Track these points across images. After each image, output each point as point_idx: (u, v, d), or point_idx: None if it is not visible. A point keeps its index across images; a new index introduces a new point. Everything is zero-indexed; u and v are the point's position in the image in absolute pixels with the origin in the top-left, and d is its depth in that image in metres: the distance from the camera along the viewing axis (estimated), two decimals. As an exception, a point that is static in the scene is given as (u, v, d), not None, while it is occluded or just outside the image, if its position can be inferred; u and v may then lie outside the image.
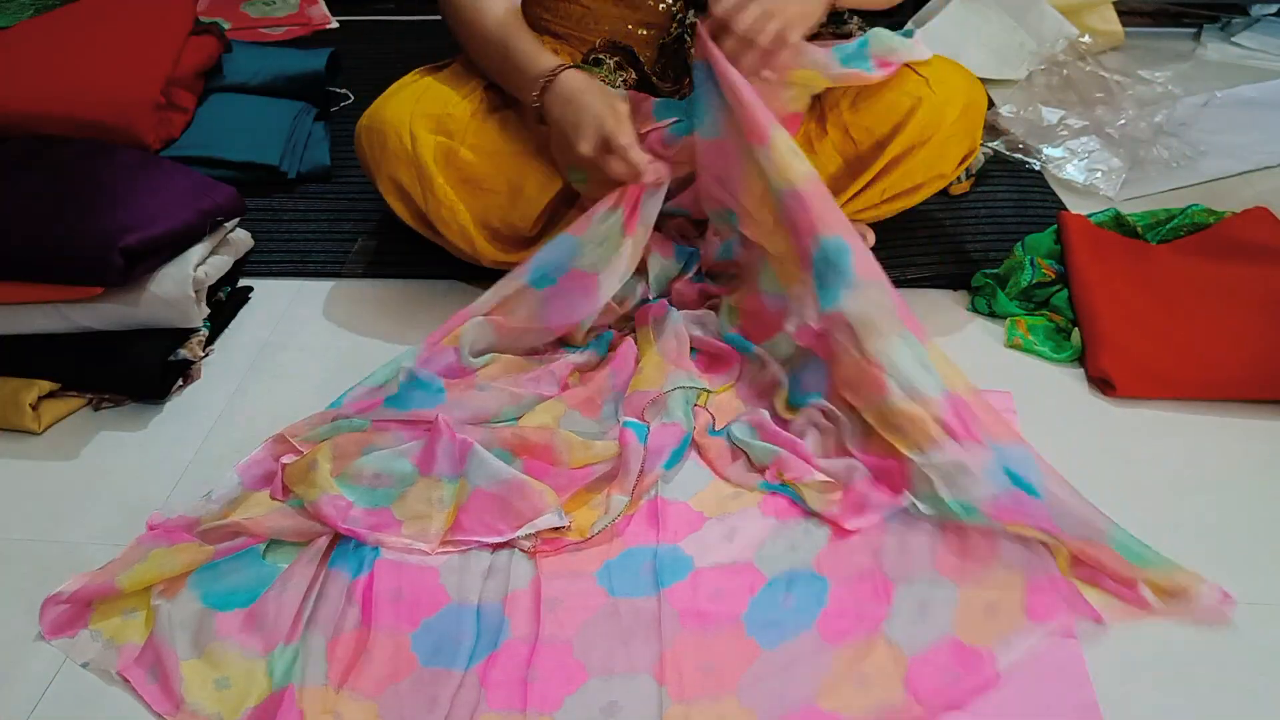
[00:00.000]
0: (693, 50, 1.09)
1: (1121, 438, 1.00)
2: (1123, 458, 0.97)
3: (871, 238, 1.21)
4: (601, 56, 1.16)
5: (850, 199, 1.18)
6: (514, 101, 1.13)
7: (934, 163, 1.16)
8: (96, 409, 1.04)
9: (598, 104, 1.02)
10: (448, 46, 1.20)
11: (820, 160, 1.15)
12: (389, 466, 0.91)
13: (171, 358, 1.05)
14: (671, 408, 0.97)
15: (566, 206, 1.15)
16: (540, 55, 1.08)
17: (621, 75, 1.17)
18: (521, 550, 0.86)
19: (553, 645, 0.78)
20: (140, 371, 1.02)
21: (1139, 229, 1.22)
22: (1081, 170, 1.46)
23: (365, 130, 1.14)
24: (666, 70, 1.19)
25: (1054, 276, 1.16)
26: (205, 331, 1.10)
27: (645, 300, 1.13)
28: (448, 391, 0.99)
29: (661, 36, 1.17)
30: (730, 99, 0.99)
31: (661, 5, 1.14)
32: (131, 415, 1.03)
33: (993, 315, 1.16)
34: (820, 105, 1.15)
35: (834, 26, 1.15)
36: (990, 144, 1.50)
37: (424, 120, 1.10)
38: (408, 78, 1.18)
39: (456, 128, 1.10)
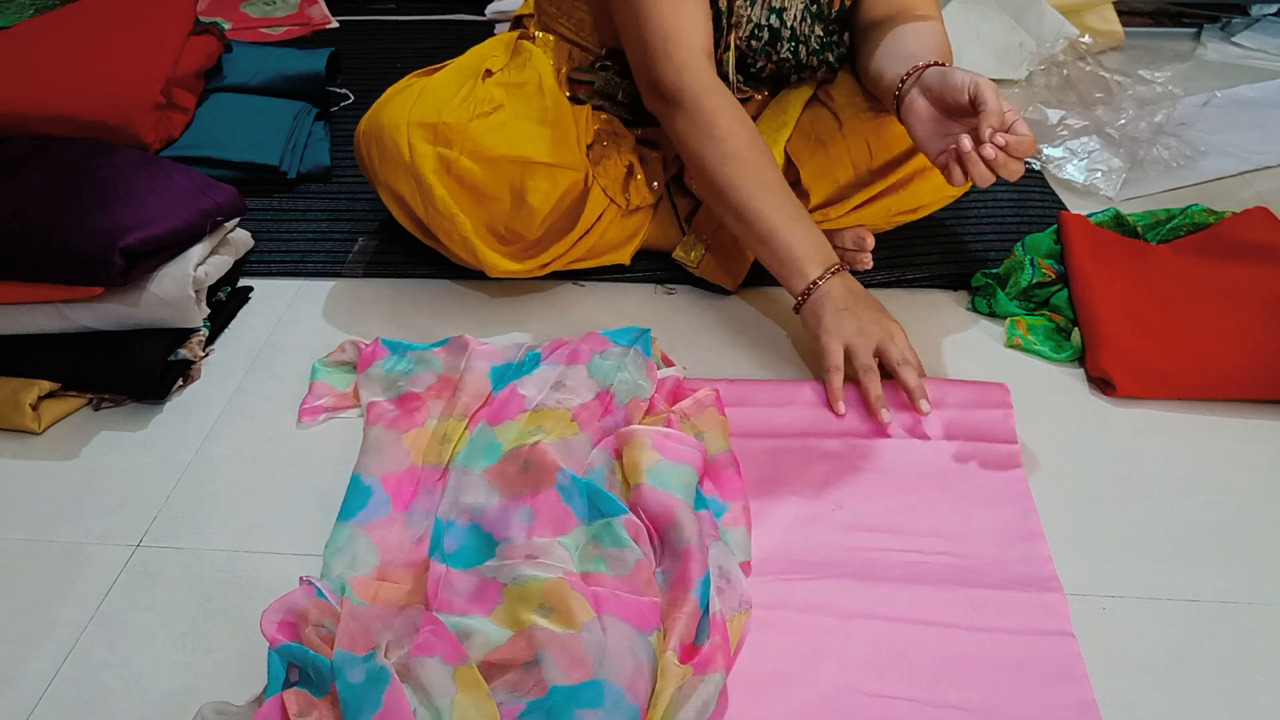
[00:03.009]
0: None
1: (1121, 438, 1.00)
2: (1122, 457, 0.97)
3: (871, 240, 1.21)
4: (607, 63, 1.16)
5: (854, 209, 1.18)
6: (511, 103, 1.11)
7: (943, 185, 1.16)
8: (96, 409, 1.04)
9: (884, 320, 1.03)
10: (447, 47, 1.19)
11: (830, 164, 1.15)
12: None
13: (171, 358, 1.05)
14: None
15: (571, 211, 1.14)
16: (819, 246, 1.04)
17: (619, 82, 1.17)
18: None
19: None
20: (140, 371, 1.02)
21: (1139, 229, 1.22)
22: (1081, 170, 1.46)
23: (363, 138, 1.14)
24: None
25: (1054, 276, 1.16)
26: (205, 331, 1.10)
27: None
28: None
29: None
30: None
31: None
32: (131, 415, 1.03)
33: (993, 315, 1.17)
34: (834, 111, 1.15)
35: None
36: (990, 144, 1.50)
37: (420, 130, 1.08)
38: (402, 83, 1.17)
39: (454, 135, 1.09)
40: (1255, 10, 1.99)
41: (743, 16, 1.10)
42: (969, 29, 1.78)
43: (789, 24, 1.11)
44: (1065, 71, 1.71)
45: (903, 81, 1.01)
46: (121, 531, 0.90)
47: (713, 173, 1.03)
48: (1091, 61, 1.73)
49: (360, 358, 1.06)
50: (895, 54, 1.05)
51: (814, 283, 1.01)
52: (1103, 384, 1.05)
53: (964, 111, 0.94)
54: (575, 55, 1.18)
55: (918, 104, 0.99)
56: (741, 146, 1.02)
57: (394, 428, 0.97)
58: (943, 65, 0.99)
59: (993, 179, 0.92)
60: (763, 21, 1.10)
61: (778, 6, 1.10)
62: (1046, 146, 1.51)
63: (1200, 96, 1.67)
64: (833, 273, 1.02)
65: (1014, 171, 0.91)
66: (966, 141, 0.92)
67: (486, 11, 2.08)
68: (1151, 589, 0.84)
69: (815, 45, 1.12)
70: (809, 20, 1.11)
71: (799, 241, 1.02)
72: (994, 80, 1.68)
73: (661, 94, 1.05)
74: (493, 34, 1.86)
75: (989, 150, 0.90)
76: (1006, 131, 0.91)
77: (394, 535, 0.87)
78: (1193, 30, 1.98)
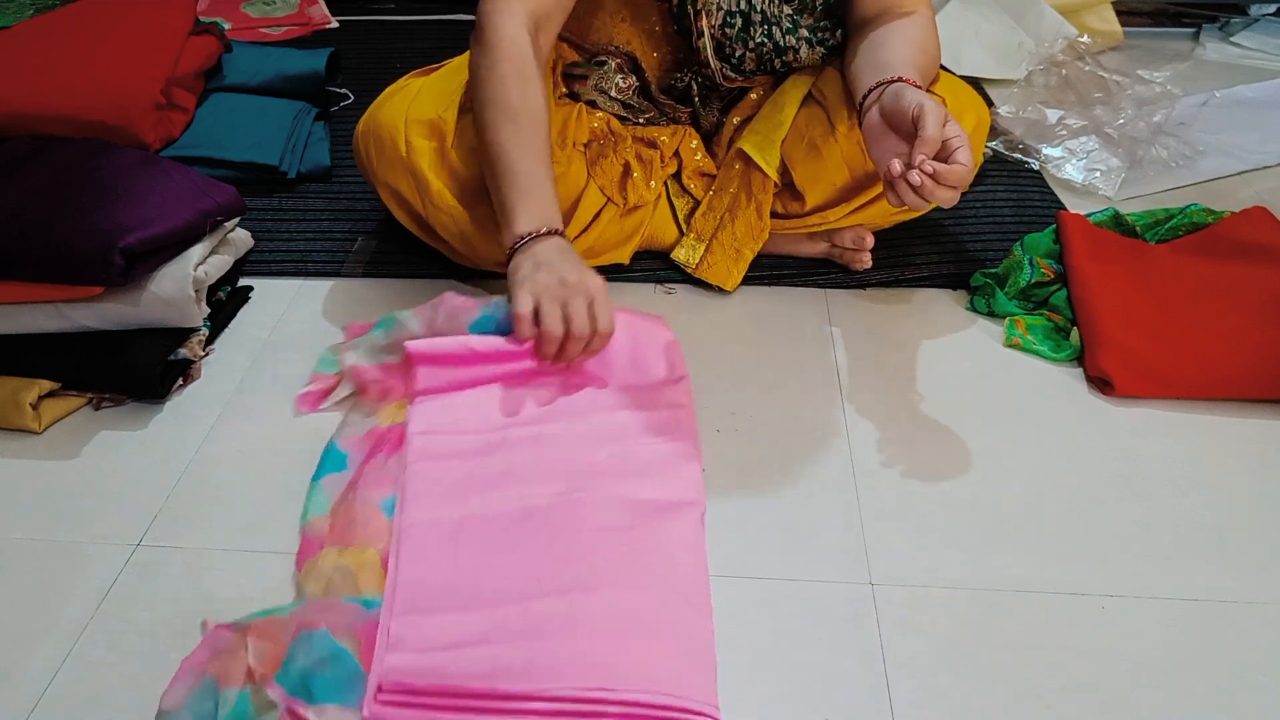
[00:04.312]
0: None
1: (1120, 437, 1.00)
2: (1122, 457, 0.97)
3: (870, 240, 1.21)
4: (605, 59, 1.16)
5: (852, 212, 1.18)
6: None
7: None
8: (96, 409, 1.04)
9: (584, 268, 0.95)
10: (447, 47, 1.20)
11: (827, 169, 1.15)
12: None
13: (171, 357, 1.05)
14: None
15: (567, 209, 1.15)
16: (550, 201, 0.97)
17: (621, 77, 1.17)
18: None
19: None
20: (140, 371, 1.02)
21: (1138, 228, 1.22)
22: (1080, 170, 1.46)
23: (361, 137, 1.14)
24: (671, 89, 1.19)
25: (1053, 276, 1.16)
26: (205, 331, 1.10)
27: None
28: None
29: (672, 76, 1.17)
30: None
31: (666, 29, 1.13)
32: (131, 415, 1.03)
33: (991, 315, 1.17)
34: (827, 115, 1.15)
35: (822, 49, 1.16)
36: (989, 144, 1.50)
37: (418, 126, 1.09)
38: (400, 82, 1.18)
39: (449, 130, 1.09)
40: (1254, 10, 1.99)
41: (711, 4, 1.10)
42: (968, 29, 1.78)
43: (758, 7, 1.11)
44: (1064, 71, 1.71)
45: (865, 97, 1.01)
46: (121, 531, 0.90)
47: (480, 111, 1.01)
48: (1090, 61, 1.73)
49: (349, 333, 1.09)
50: (872, 62, 1.05)
51: (521, 237, 0.95)
52: (1102, 383, 1.05)
53: (910, 133, 0.93)
54: (568, 53, 1.18)
55: (874, 121, 0.98)
56: (514, 97, 0.99)
57: (370, 399, 1.01)
58: (905, 82, 0.98)
59: (925, 205, 0.92)
60: (733, 9, 1.11)
61: None
62: (1046, 146, 1.51)
63: (1199, 96, 1.67)
64: (548, 234, 0.95)
65: (945, 199, 0.90)
66: (896, 165, 0.91)
67: (486, 11, 2.08)
68: (1151, 589, 0.84)
69: (788, 24, 1.12)
70: (776, 1, 1.11)
71: (525, 197, 0.97)
72: (993, 80, 1.68)
73: (477, 22, 1.03)
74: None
75: (914, 176, 0.89)
76: (947, 159, 0.90)
77: (347, 488, 0.91)
78: (1192, 30, 1.99)
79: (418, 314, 1.04)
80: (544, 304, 0.92)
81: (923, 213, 1.24)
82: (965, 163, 0.90)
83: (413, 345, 0.97)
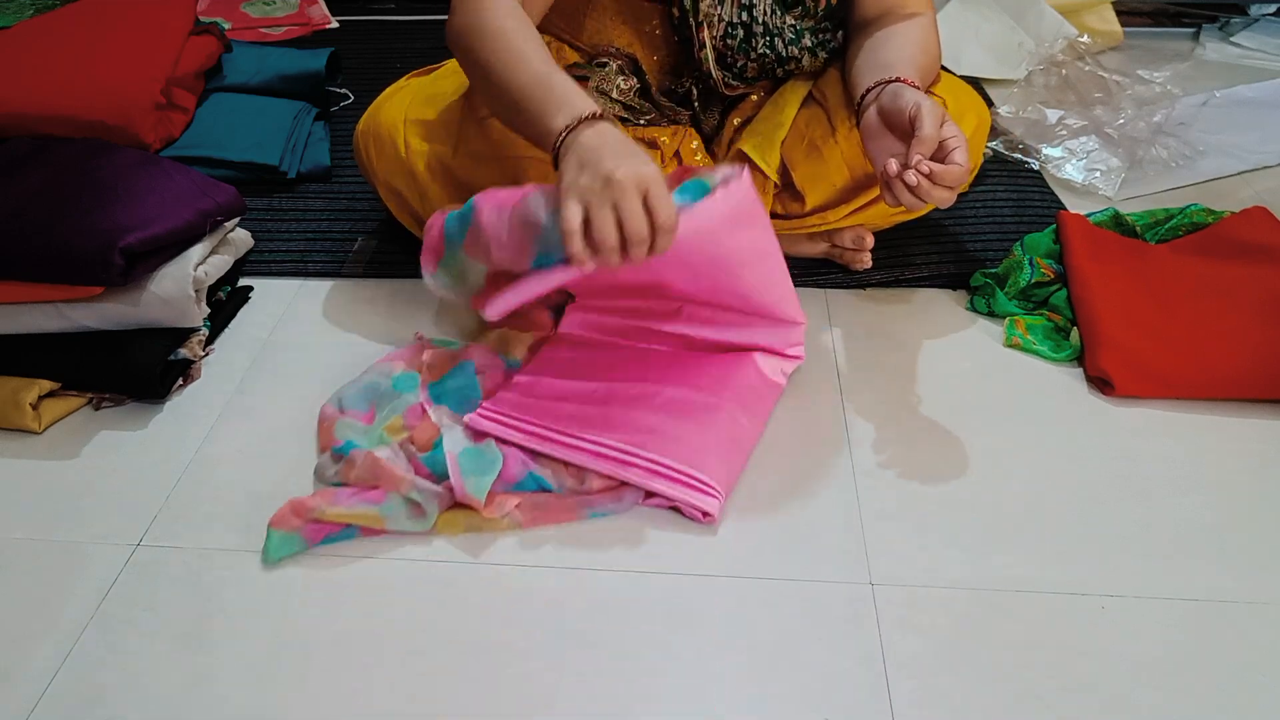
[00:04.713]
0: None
1: (1120, 437, 1.00)
2: (1122, 457, 0.97)
3: (870, 240, 1.21)
4: (605, 61, 1.16)
5: (852, 213, 1.18)
6: None
7: None
8: (96, 409, 1.04)
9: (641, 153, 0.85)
10: (446, 47, 1.20)
11: (827, 169, 1.15)
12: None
13: (171, 357, 1.05)
14: None
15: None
16: (577, 93, 0.89)
17: (623, 79, 1.17)
18: None
19: None
20: (140, 371, 1.02)
21: (1138, 228, 1.22)
22: (1080, 170, 1.46)
23: (361, 137, 1.14)
24: (672, 92, 1.19)
25: (1053, 276, 1.16)
26: (205, 331, 1.10)
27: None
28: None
29: (673, 80, 1.17)
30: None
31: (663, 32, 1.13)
32: (131, 415, 1.03)
33: (991, 315, 1.17)
34: (828, 116, 1.15)
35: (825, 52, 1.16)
36: (989, 144, 1.50)
37: (416, 127, 1.09)
38: (400, 82, 1.18)
39: (449, 134, 1.09)
40: (1254, 10, 1.99)
41: (713, 16, 1.10)
42: (968, 29, 1.78)
43: (760, 19, 1.11)
44: (1064, 71, 1.71)
45: (864, 96, 1.01)
46: (121, 531, 0.90)
47: (475, 50, 0.94)
48: (1091, 61, 1.73)
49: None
50: (872, 63, 1.04)
51: (557, 136, 0.86)
52: (1102, 384, 1.05)
53: (908, 133, 0.92)
54: (569, 54, 1.18)
55: (872, 120, 0.98)
56: (506, 25, 0.93)
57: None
58: (904, 82, 0.97)
59: (921, 205, 0.91)
60: (734, 20, 1.10)
61: (747, 3, 1.10)
62: (1046, 146, 1.51)
63: (1199, 96, 1.67)
64: (584, 122, 0.85)
65: (941, 199, 0.90)
66: (893, 165, 0.90)
67: (486, 11, 2.08)
68: (1151, 589, 0.84)
69: (790, 35, 1.12)
70: (778, 13, 1.11)
71: (547, 97, 0.88)
72: (993, 80, 1.68)
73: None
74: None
75: (911, 176, 0.88)
76: (944, 159, 0.90)
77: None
78: (1192, 30, 1.99)
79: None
80: (593, 211, 0.80)
81: (922, 213, 1.24)
82: (962, 163, 0.89)
83: (489, 308, 0.92)
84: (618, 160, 0.80)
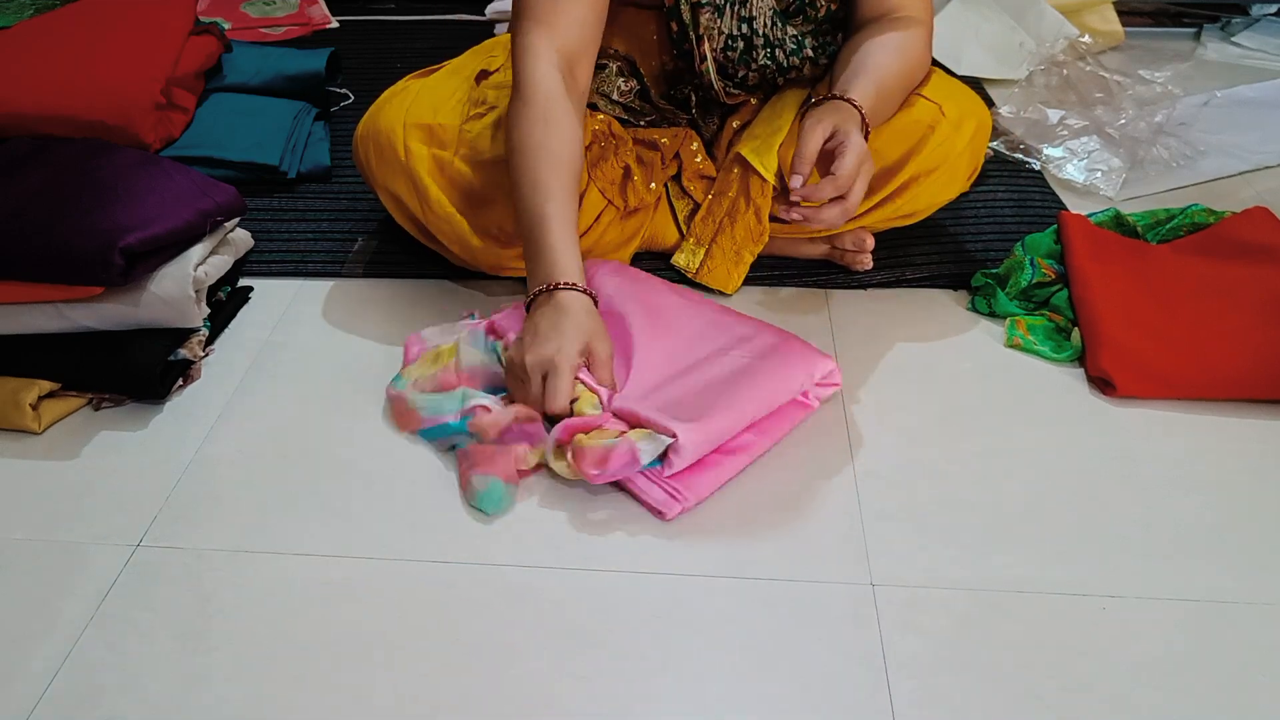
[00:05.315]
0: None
1: (1121, 437, 1.00)
2: (1123, 457, 0.97)
3: (871, 241, 1.21)
4: (605, 62, 1.16)
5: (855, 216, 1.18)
6: (504, 105, 1.10)
7: (941, 189, 1.17)
8: (96, 409, 1.04)
9: (597, 327, 0.96)
10: (447, 47, 1.20)
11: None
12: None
13: (171, 358, 1.05)
14: None
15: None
16: (572, 251, 0.97)
17: (623, 80, 1.17)
18: None
19: None
20: (140, 371, 1.02)
21: (1139, 229, 1.22)
22: (1081, 170, 1.46)
23: (361, 141, 1.14)
24: (672, 96, 1.19)
25: (1054, 276, 1.16)
26: (205, 331, 1.10)
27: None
28: None
29: (672, 86, 1.17)
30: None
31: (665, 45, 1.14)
32: (131, 415, 1.03)
33: (992, 315, 1.17)
34: None
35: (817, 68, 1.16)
36: (990, 144, 1.50)
37: (416, 131, 1.09)
38: (399, 85, 1.18)
39: (448, 137, 1.09)
40: (1255, 10, 1.99)
41: (713, 28, 1.10)
42: (969, 29, 1.78)
43: (760, 31, 1.11)
44: (1065, 71, 1.71)
45: (818, 101, 1.03)
46: (121, 531, 0.90)
47: (507, 156, 1.01)
48: (1091, 61, 1.73)
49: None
50: (846, 65, 1.08)
51: (530, 294, 0.97)
52: (1103, 384, 1.05)
53: (829, 155, 0.99)
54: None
55: (813, 120, 1.01)
56: (534, 141, 0.99)
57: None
58: (855, 106, 1.01)
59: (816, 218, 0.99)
60: (734, 32, 1.10)
61: (747, 15, 1.10)
62: (1047, 146, 1.51)
63: (1200, 96, 1.67)
64: (545, 292, 0.95)
65: (826, 222, 0.99)
66: (796, 181, 0.98)
67: (486, 11, 2.08)
68: (1151, 589, 0.84)
69: (791, 45, 1.12)
70: (779, 24, 1.11)
71: (536, 254, 0.97)
72: (994, 80, 1.68)
73: (515, 72, 1.02)
74: (493, 34, 1.87)
75: (795, 214, 1.00)
76: (842, 199, 0.98)
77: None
78: (1193, 30, 1.99)
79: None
80: (509, 377, 0.96)
81: (921, 216, 1.24)
82: (830, 220, 0.99)
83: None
84: (550, 336, 0.92)
